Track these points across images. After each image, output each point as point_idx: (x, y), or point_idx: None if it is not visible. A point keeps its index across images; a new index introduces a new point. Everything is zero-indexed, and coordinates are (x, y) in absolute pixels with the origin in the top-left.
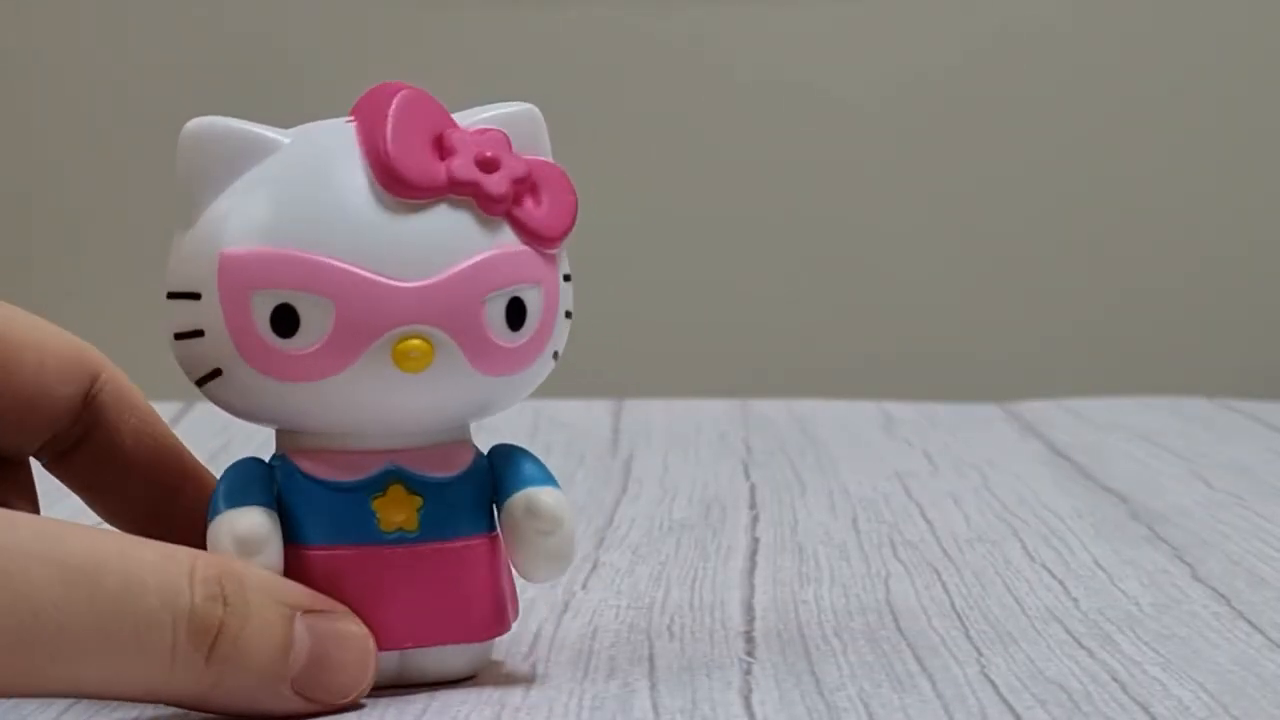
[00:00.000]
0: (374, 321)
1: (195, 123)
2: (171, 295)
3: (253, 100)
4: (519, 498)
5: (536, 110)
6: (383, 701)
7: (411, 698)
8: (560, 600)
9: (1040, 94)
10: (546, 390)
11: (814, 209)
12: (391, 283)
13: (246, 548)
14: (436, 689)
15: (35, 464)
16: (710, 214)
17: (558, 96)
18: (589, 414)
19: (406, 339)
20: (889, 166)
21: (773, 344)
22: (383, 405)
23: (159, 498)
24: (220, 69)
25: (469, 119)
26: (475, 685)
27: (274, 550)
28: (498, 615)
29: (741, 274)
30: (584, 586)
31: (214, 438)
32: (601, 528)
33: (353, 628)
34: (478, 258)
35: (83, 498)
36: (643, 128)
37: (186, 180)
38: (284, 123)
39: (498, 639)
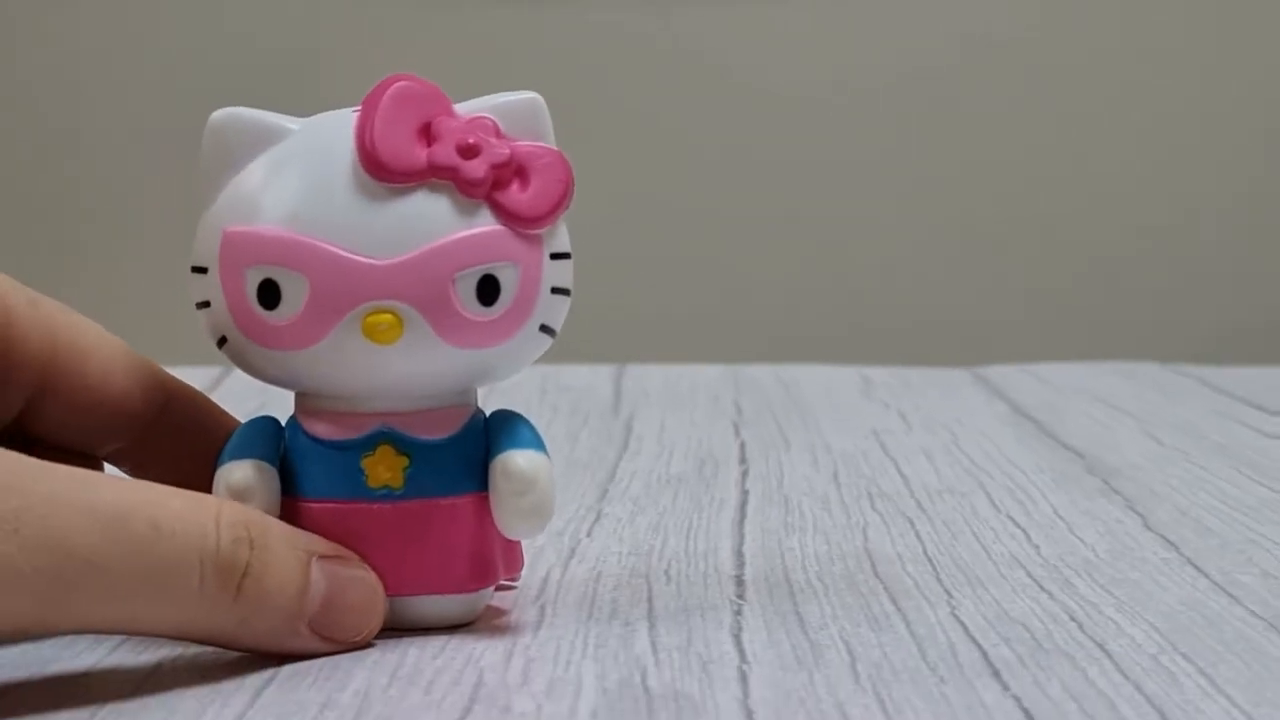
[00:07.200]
0: (344, 295)
1: (219, 112)
2: (192, 269)
3: (276, 93)
4: (498, 460)
5: (539, 98)
6: (404, 642)
7: (430, 639)
8: (567, 548)
9: (1007, 75)
10: (553, 357)
11: (800, 195)
12: (365, 260)
13: (237, 496)
14: (454, 631)
15: None
16: (704, 199)
17: (561, 85)
18: (593, 378)
19: (376, 313)
20: (868, 157)
21: (761, 315)
22: (362, 373)
23: None
24: (235, 69)
25: (474, 107)
26: (488, 626)
27: (262, 501)
28: (483, 569)
29: (733, 251)
30: (589, 535)
31: (252, 399)
32: (604, 482)
33: (363, 573)
34: (451, 237)
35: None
36: (642, 115)
37: (208, 163)
38: (308, 111)
39: (500, 588)
